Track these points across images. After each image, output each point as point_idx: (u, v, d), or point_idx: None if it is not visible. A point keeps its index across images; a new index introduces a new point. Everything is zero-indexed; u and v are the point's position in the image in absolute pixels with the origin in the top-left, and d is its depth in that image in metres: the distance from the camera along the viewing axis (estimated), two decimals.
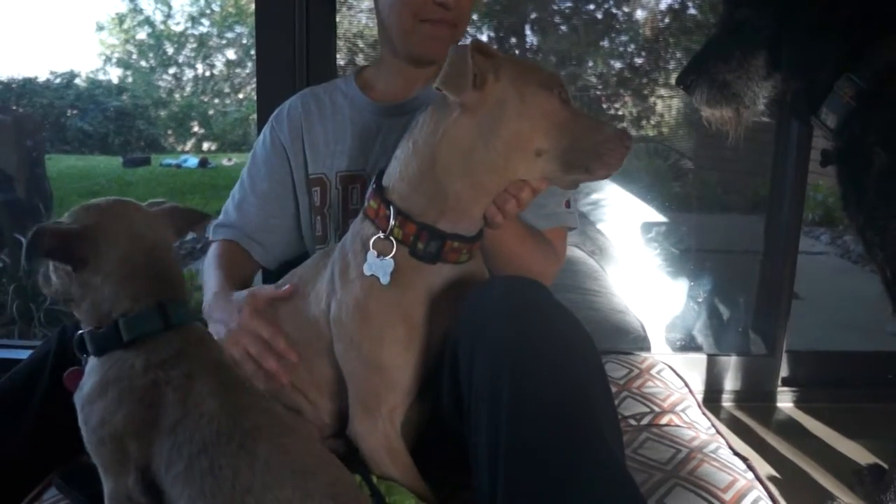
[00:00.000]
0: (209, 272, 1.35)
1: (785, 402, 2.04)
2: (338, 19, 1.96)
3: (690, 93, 1.42)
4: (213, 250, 1.41)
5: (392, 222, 1.02)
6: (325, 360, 1.10)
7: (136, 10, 6.60)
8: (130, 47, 6.66)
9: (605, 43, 3.70)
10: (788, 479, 1.59)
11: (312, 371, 1.12)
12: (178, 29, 6.73)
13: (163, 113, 6.70)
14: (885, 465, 1.60)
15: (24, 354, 1.31)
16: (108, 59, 6.63)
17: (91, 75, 6.52)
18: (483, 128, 0.98)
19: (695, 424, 1.45)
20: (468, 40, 1.04)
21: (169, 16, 6.77)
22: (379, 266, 1.02)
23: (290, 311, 1.14)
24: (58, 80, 6.09)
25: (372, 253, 1.02)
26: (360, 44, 3.46)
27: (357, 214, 1.12)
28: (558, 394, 0.86)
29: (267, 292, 1.16)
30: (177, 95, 6.79)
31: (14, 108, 5.52)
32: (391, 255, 1.02)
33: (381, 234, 1.02)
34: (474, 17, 2.88)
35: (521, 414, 0.84)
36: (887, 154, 1.25)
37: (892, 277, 1.31)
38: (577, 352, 0.92)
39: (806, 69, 1.33)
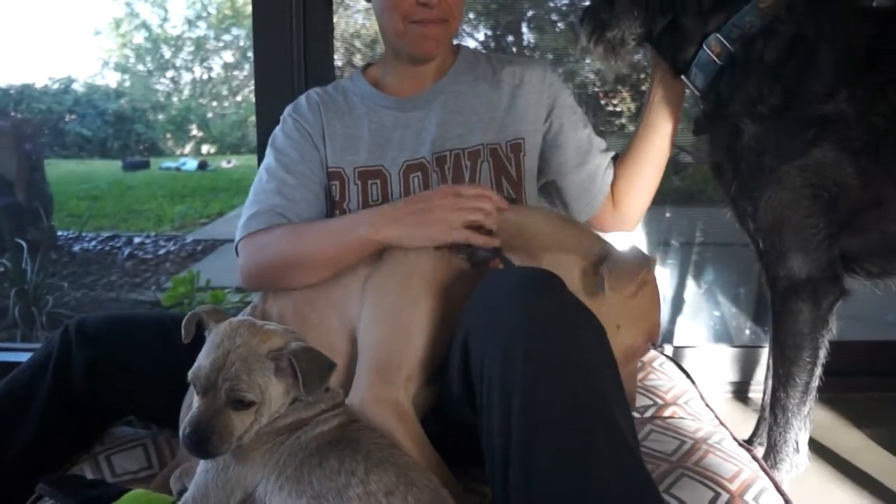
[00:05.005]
0: (295, 238, 1.24)
1: None
2: (334, 20, 1.96)
3: (582, 30, 1.46)
4: (262, 237, 1.29)
5: None
6: (343, 341, 1.14)
7: (133, 14, 6.60)
8: (128, 51, 6.65)
9: None
10: None
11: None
12: (175, 32, 6.72)
13: (161, 116, 6.69)
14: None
15: (26, 358, 1.30)
16: (105, 64, 6.63)
17: (89, 80, 6.50)
18: None
19: (698, 416, 1.46)
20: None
21: (165, 19, 6.77)
22: None
23: (311, 294, 1.16)
24: (56, 86, 6.08)
25: None
26: (357, 44, 3.46)
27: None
28: (571, 381, 0.86)
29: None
30: (175, 99, 6.78)
31: (13, 113, 5.52)
32: None
33: None
34: (470, 16, 2.88)
35: (534, 400, 0.85)
36: (755, 125, 1.24)
37: (764, 248, 1.30)
38: (590, 340, 0.92)
39: (661, 11, 1.31)
